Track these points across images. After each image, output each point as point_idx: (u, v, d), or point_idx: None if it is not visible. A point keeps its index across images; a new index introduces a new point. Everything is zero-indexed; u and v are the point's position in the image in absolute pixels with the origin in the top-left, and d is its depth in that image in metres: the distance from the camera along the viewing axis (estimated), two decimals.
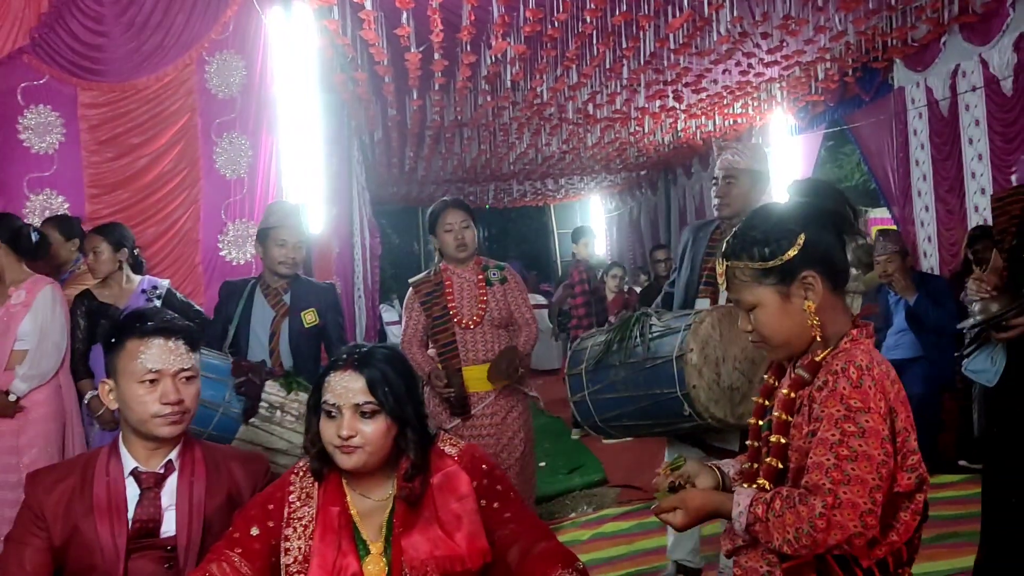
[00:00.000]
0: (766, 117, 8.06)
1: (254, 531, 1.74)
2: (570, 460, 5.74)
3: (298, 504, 1.77)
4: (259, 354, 3.25)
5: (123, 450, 1.87)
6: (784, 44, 5.47)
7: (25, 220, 3.92)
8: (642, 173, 12.10)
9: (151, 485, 1.85)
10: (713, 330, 2.75)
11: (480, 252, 3.70)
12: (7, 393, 3.46)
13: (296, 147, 4.67)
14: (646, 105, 7.08)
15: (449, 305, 3.53)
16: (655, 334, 2.88)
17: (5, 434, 3.52)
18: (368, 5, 4.29)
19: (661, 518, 1.63)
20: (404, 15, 4.40)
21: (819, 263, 1.55)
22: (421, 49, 5.00)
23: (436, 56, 5.30)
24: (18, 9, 4.18)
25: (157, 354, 1.83)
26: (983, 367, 2.71)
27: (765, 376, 1.74)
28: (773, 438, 1.58)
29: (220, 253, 4.43)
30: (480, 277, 3.58)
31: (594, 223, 14.67)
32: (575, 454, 5.99)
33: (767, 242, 1.56)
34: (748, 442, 1.71)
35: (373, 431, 1.71)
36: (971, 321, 2.67)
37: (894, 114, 6.12)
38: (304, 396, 2.89)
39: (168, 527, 1.84)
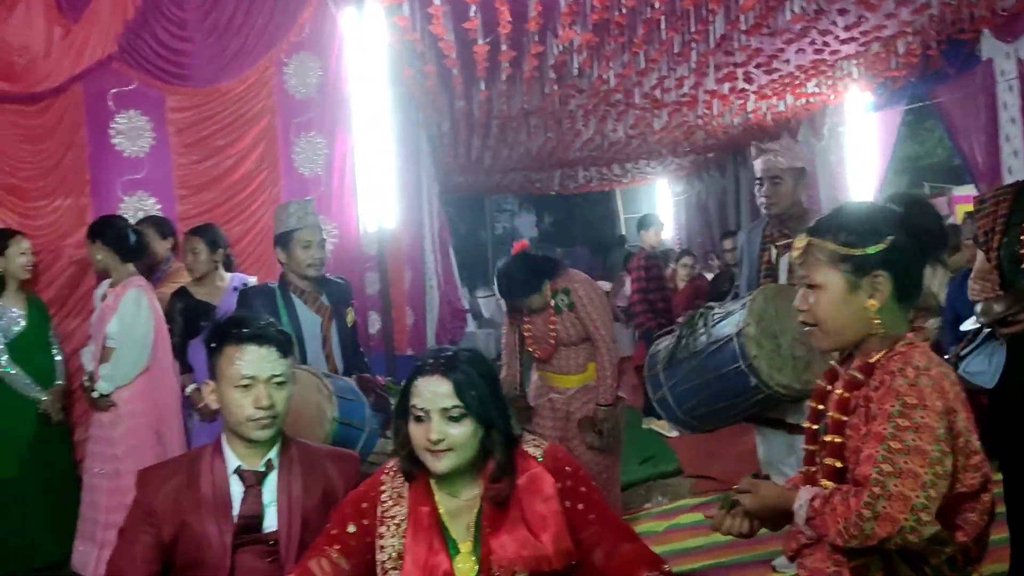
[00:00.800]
0: (841, 95, 7.85)
1: (351, 528, 1.81)
2: (642, 449, 5.74)
3: (390, 503, 1.83)
4: (317, 361, 3.22)
5: (226, 449, 1.98)
6: (863, 19, 5.32)
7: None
8: (710, 156, 11.93)
9: (253, 483, 1.95)
10: (767, 304, 2.97)
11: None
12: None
13: (369, 143, 4.77)
14: (715, 88, 6.97)
15: (525, 335, 3.66)
16: (716, 321, 3.08)
17: (104, 425, 3.75)
18: (437, 0, 4.35)
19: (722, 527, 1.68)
20: (472, 8, 4.44)
21: (895, 269, 1.57)
22: (488, 41, 5.04)
23: (503, 47, 5.33)
24: (106, 17, 4.36)
25: (252, 360, 1.92)
26: (980, 368, 2.67)
27: (819, 381, 1.76)
28: (828, 437, 1.61)
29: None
30: (550, 307, 3.57)
31: (661, 207, 14.51)
32: (647, 443, 5.99)
33: (855, 231, 1.60)
34: (805, 447, 1.73)
35: (461, 434, 1.76)
36: (973, 321, 2.63)
37: (982, 87, 5.88)
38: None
39: (270, 523, 1.94)
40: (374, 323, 5.19)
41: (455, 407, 1.75)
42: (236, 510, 1.92)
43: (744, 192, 11.36)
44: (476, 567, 1.79)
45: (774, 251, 3.37)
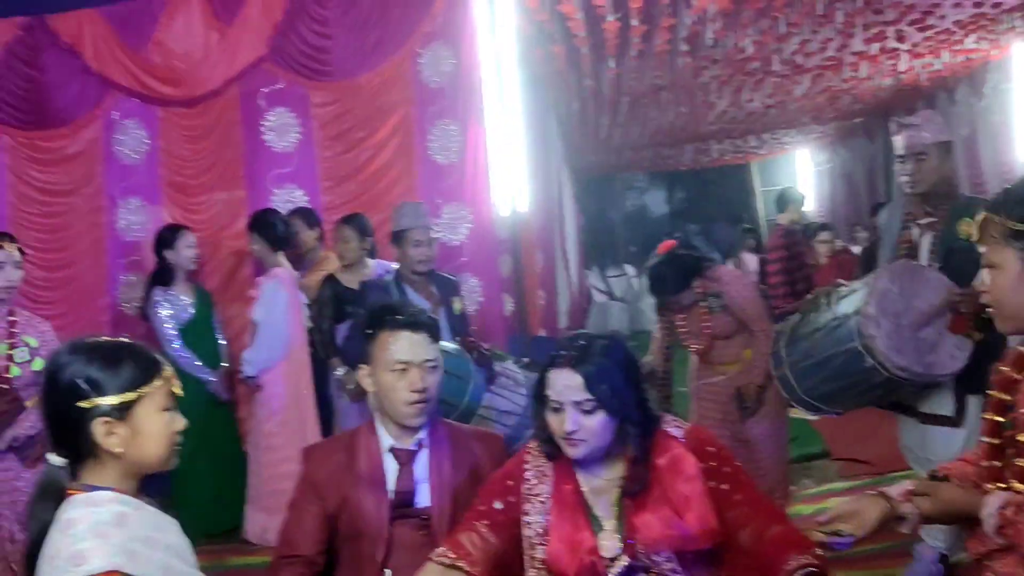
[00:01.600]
0: (1005, 50, 7.25)
1: (497, 505, 1.88)
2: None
3: (534, 481, 1.88)
4: None
5: (380, 429, 2.09)
6: None
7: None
8: (856, 122, 11.31)
9: (406, 461, 2.05)
10: (892, 284, 2.87)
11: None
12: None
13: (500, 127, 4.84)
14: (863, 48, 6.60)
15: (680, 331, 3.72)
16: (841, 297, 3.00)
17: (257, 405, 4.12)
18: None
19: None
20: None
21: None
22: (618, 16, 4.98)
23: (634, 22, 5.26)
24: (257, 20, 4.63)
25: (405, 346, 2.00)
26: None
27: (1003, 368, 1.58)
28: (1021, 437, 1.48)
29: (437, 235, 4.69)
30: (703, 306, 3.61)
31: (800, 178, 13.90)
32: (793, 424, 5.79)
33: None
34: (984, 439, 1.62)
35: (595, 424, 1.77)
36: None
37: None
38: (509, 363, 3.29)
39: (422, 498, 2.05)
40: (508, 305, 5.28)
41: (587, 400, 1.76)
42: (391, 486, 2.03)
43: (895, 159, 10.71)
44: (620, 544, 1.82)
45: (916, 230, 3.18)
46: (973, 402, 2.91)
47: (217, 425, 4.26)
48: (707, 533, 1.78)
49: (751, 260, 9.54)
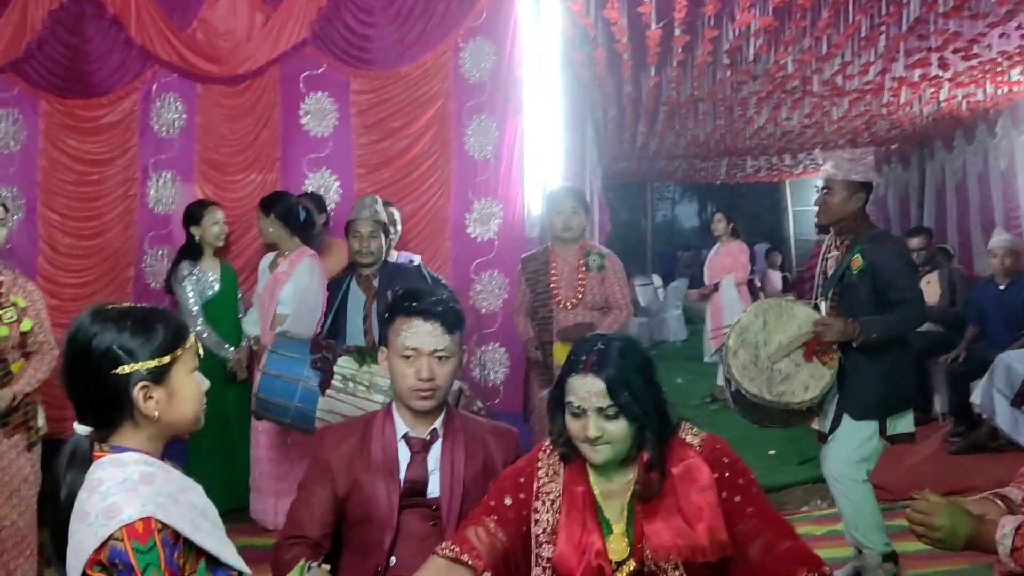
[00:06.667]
0: None
1: (507, 501, 1.87)
2: (801, 450, 5.51)
3: (546, 480, 1.88)
4: (355, 335, 3.72)
5: (396, 416, 2.09)
6: None
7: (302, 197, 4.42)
8: (892, 148, 11.18)
9: (419, 450, 2.05)
10: (755, 318, 3.27)
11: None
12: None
13: (537, 127, 4.83)
14: (904, 74, 6.52)
15: (552, 284, 3.86)
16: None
17: None
18: None
19: (913, 529, 1.59)
20: None
21: None
22: (661, 25, 4.96)
23: (677, 32, 5.23)
24: (302, 4, 4.65)
25: (416, 333, 2.00)
26: None
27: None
28: None
29: (466, 230, 4.71)
30: (581, 262, 3.86)
31: None
32: (808, 444, 5.74)
33: None
34: None
35: (617, 429, 1.77)
36: None
37: None
38: (376, 368, 3.28)
39: (433, 488, 2.04)
40: None
41: (610, 406, 1.75)
42: (403, 473, 2.03)
43: (930, 187, 10.59)
44: (628, 549, 1.81)
45: (829, 263, 3.43)
46: (847, 423, 3.27)
47: (230, 403, 4.27)
48: (717, 545, 1.76)
49: (776, 278, 9.48)
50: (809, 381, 3.18)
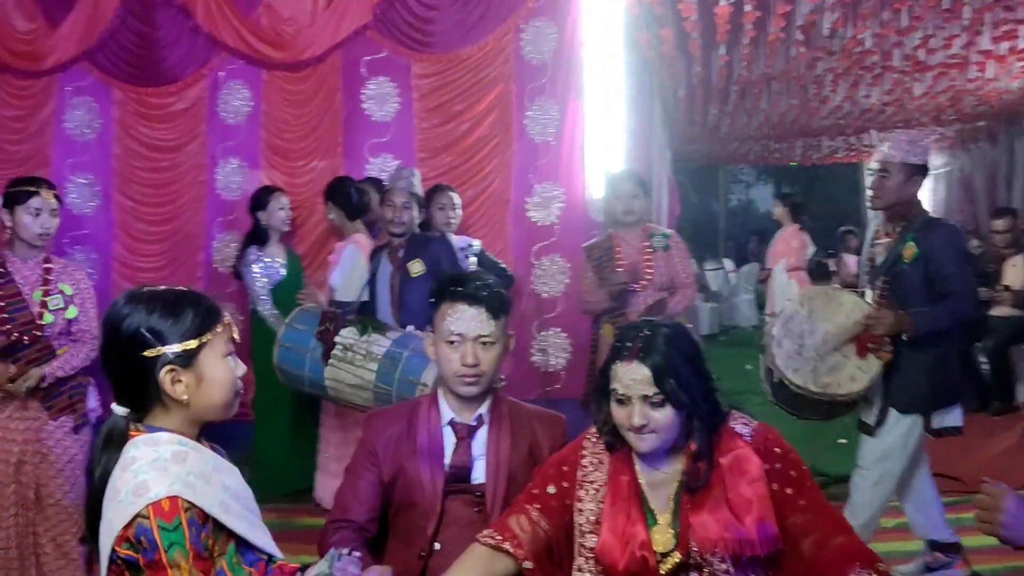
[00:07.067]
0: None
1: (551, 489, 1.84)
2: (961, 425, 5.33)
3: (590, 468, 1.84)
4: (384, 306, 3.76)
5: (441, 402, 2.07)
6: None
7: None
8: (979, 125, 10.64)
9: (464, 436, 2.03)
10: (801, 307, 3.18)
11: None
12: None
13: (600, 109, 4.75)
14: (991, 47, 6.18)
15: (619, 267, 3.78)
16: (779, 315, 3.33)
17: None
18: None
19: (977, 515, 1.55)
20: None
21: None
22: (731, 1, 4.81)
23: (747, 8, 5.07)
24: None
25: (461, 319, 1.98)
26: None
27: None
28: None
29: (527, 214, 4.68)
30: (646, 243, 3.80)
31: None
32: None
33: None
34: None
35: (663, 418, 1.72)
36: None
37: None
38: (376, 336, 3.45)
39: (478, 475, 2.02)
40: None
41: (656, 394, 1.70)
42: (448, 459, 2.02)
43: (1019, 166, 10.06)
44: (674, 540, 1.75)
45: (879, 247, 3.31)
46: (895, 417, 3.18)
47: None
48: (766, 539, 1.70)
49: (852, 261, 9.16)
50: (856, 372, 3.08)
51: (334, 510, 2.05)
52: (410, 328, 3.61)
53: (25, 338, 2.98)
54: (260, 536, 1.45)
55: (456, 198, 4.35)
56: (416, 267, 3.75)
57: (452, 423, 2.04)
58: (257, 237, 4.34)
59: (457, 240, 4.16)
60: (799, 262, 7.16)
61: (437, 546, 1.98)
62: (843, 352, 3.11)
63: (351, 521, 1.99)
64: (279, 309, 4.28)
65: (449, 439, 2.04)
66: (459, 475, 2.01)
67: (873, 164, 3.36)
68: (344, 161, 4.79)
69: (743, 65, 6.65)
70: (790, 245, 7.21)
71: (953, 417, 3.26)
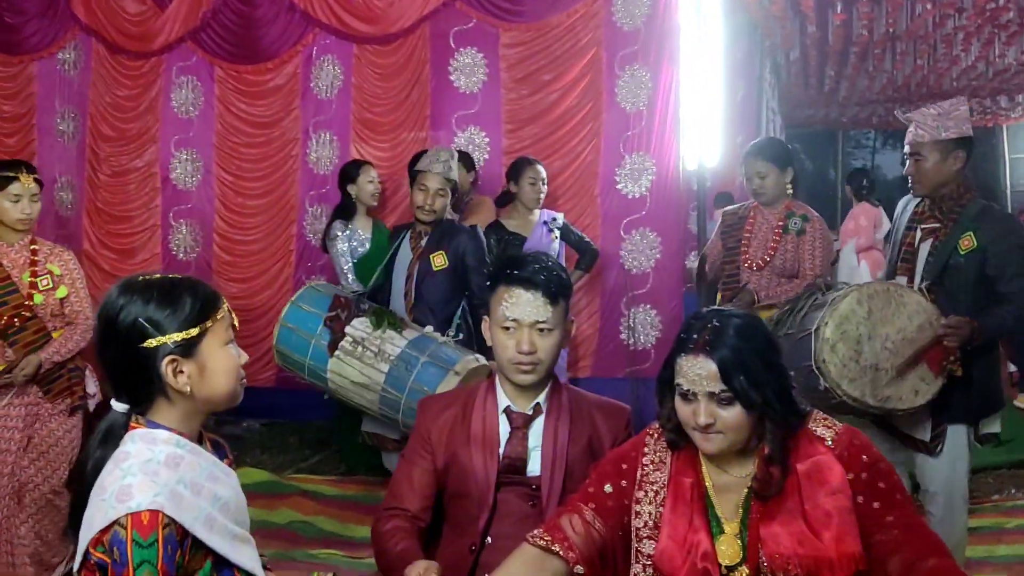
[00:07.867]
0: None
1: (607, 488, 1.72)
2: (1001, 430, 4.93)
3: (651, 468, 1.71)
4: (396, 295, 3.52)
5: (499, 389, 1.98)
6: None
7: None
8: None
9: (520, 425, 1.94)
10: (859, 306, 2.69)
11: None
12: None
13: (696, 76, 4.52)
14: None
15: (743, 241, 3.45)
16: (813, 306, 2.85)
17: None
18: None
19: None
20: None
21: None
22: None
23: None
24: None
25: (517, 304, 1.87)
26: None
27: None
28: None
29: (617, 186, 4.53)
30: (780, 223, 3.42)
31: None
32: (1008, 423, 5.11)
33: None
34: None
35: (732, 417, 1.56)
36: None
37: None
38: (391, 333, 3.13)
39: (533, 466, 1.93)
40: (692, 262, 5.03)
41: (723, 391, 1.55)
42: (502, 449, 1.93)
43: None
44: (741, 553, 1.61)
45: (919, 233, 2.89)
46: (953, 432, 2.82)
47: None
48: (846, 558, 1.53)
49: None
50: (920, 384, 2.69)
51: (388, 497, 2.00)
52: (428, 328, 3.37)
53: (16, 320, 3.01)
54: (242, 553, 1.39)
55: (543, 171, 4.23)
56: (439, 260, 3.54)
57: (508, 411, 1.95)
58: (344, 211, 4.36)
59: (541, 214, 4.05)
60: (869, 241, 6.64)
61: (489, 540, 1.90)
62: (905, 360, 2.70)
63: (404, 510, 1.93)
64: (363, 283, 4.30)
65: (504, 428, 1.95)
66: (513, 466, 1.92)
67: (905, 148, 2.95)
68: (431, 133, 4.77)
69: (863, 24, 6.24)
70: (859, 223, 6.69)
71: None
